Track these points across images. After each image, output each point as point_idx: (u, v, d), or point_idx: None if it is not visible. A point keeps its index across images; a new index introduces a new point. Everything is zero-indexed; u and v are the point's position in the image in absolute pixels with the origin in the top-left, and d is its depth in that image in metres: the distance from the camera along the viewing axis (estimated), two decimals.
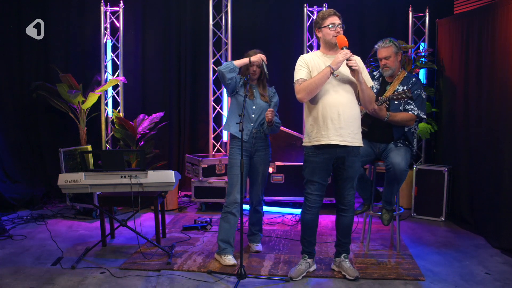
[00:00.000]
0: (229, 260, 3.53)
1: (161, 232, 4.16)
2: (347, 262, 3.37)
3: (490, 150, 4.18)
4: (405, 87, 3.65)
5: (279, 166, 5.15)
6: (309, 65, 3.20)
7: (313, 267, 3.44)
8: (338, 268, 3.39)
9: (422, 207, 4.93)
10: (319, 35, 3.23)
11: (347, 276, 3.29)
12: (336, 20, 3.17)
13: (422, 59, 5.22)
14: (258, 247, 3.90)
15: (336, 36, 3.14)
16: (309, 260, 3.40)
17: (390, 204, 3.74)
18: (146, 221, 4.76)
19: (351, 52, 3.07)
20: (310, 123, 3.23)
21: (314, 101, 3.18)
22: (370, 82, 3.29)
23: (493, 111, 4.15)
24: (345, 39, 3.10)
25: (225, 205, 3.61)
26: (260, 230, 3.95)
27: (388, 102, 3.59)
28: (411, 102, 3.62)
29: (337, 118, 3.12)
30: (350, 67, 3.05)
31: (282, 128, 5.25)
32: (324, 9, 5.56)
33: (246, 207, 4.55)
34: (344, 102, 3.14)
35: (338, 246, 3.44)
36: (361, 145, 3.25)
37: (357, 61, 3.14)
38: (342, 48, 3.08)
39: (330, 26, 3.15)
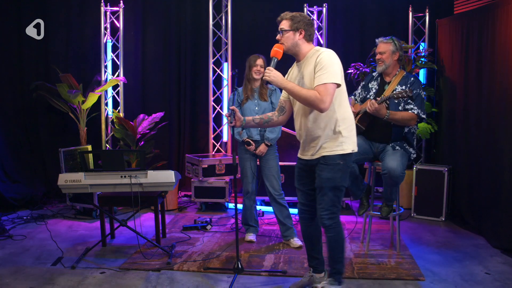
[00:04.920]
0: (247, 236, 4.13)
1: (161, 232, 4.16)
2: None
3: (490, 150, 4.18)
4: (403, 87, 3.65)
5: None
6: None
7: (322, 284, 3.05)
8: None
9: (422, 207, 4.93)
10: None
11: None
12: (281, 25, 2.87)
13: (422, 59, 5.22)
14: (298, 241, 3.99)
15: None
16: (314, 274, 3.12)
17: (390, 201, 3.77)
18: (146, 221, 4.76)
19: (319, 56, 2.76)
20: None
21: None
22: (319, 80, 2.71)
23: (493, 111, 4.15)
24: (276, 49, 2.83)
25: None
26: (292, 223, 4.09)
27: (388, 101, 3.59)
28: (411, 101, 3.62)
29: (298, 131, 2.96)
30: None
31: (282, 128, 5.25)
32: (324, 9, 5.56)
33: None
34: (301, 113, 2.90)
35: (328, 265, 3.03)
36: (332, 153, 2.82)
37: (314, 57, 2.80)
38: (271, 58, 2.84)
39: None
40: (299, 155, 3.05)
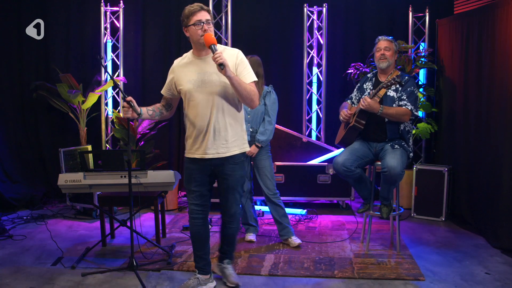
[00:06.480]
0: (247, 236, 4.14)
1: (161, 232, 4.16)
2: (229, 269, 3.22)
3: (489, 150, 4.18)
4: (397, 86, 3.69)
5: (279, 166, 5.15)
6: (174, 75, 2.98)
7: (209, 285, 3.16)
8: (220, 273, 3.25)
9: (422, 207, 4.93)
10: (187, 34, 2.88)
11: (227, 283, 3.17)
12: (203, 16, 2.80)
13: (422, 59, 5.22)
14: (296, 240, 3.98)
15: (203, 36, 2.79)
16: (200, 276, 3.15)
17: (387, 200, 3.77)
18: (146, 221, 4.76)
19: (238, 55, 2.91)
20: (187, 133, 3.00)
21: (187, 107, 2.95)
22: (250, 78, 2.89)
23: (492, 111, 4.15)
24: (213, 36, 2.78)
25: None
26: (288, 222, 4.06)
27: (379, 95, 3.64)
28: (405, 98, 3.66)
29: (204, 126, 2.88)
30: (216, 62, 2.68)
31: (282, 128, 5.26)
32: (324, 9, 5.56)
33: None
34: (213, 106, 2.86)
35: (221, 252, 3.26)
36: (241, 151, 2.98)
37: (228, 54, 2.87)
38: (209, 47, 2.74)
39: (196, 24, 2.79)
40: (195, 156, 2.96)
